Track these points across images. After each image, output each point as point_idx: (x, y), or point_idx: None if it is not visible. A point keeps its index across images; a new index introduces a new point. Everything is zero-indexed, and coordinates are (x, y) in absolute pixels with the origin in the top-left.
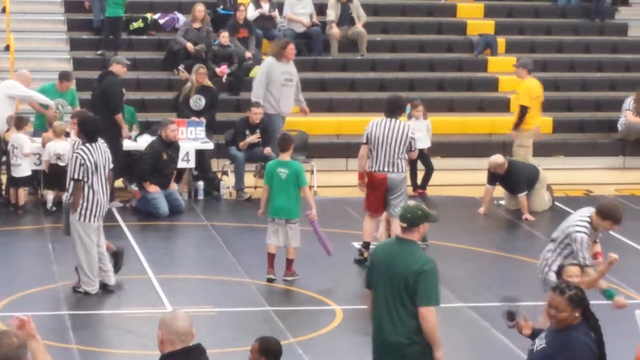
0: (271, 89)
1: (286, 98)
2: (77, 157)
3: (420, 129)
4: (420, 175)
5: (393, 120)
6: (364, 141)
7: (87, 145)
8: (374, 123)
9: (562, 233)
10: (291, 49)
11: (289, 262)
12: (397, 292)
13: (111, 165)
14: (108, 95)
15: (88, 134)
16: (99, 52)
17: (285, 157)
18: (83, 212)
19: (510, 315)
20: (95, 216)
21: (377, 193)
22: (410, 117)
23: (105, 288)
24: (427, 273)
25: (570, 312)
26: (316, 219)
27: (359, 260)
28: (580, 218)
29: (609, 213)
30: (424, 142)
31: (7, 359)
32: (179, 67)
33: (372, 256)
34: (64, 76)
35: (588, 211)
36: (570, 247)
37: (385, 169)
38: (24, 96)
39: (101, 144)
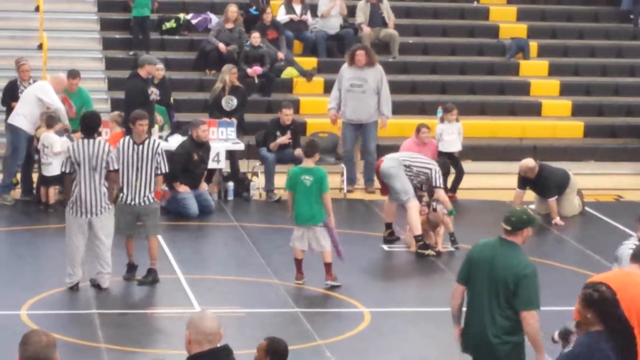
0: (342, 94)
1: (352, 104)
2: (66, 150)
3: (451, 132)
4: (451, 179)
5: (432, 161)
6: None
7: (81, 140)
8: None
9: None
10: (359, 54)
11: (328, 267)
12: (494, 293)
13: (115, 166)
14: (126, 98)
15: (84, 129)
16: (131, 53)
17: (310, 163)
18: (71, 205)
19: (566, 335)
20: (81, 211)
21: (378, 177)
22: (442, 120)
23: (98, 287)
24: (528, 277)
25: (583, 312)
26: (333, 226)
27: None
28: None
29: None
30: (454, 146)
31: (36, 357)
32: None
33: (472, 254)
34: (70, 74)
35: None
36: None
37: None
38: (50, 104)
39: (99, 141)
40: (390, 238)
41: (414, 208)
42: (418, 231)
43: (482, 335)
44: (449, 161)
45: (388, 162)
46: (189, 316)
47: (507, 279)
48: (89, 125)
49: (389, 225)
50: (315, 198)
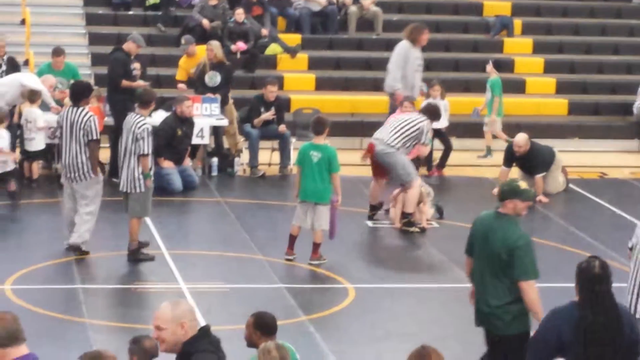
0: (408, 73)
1: (418, 84)
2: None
3: None
4: (438, 155)
5: (420, 115)
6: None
7: (69, 108)
8: (403, 109)
9: None
10: (427, 34)
11: (316, 246)
12: (490, 265)
13: (94, 136)
14: (110, 70)
15: (71, 96)
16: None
17: (320, 140)
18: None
19: None
20: (65, 176)
21: (370, 159)
22: (428, 96)
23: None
24: (521, 248)
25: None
26: (338, 206)
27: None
28: None
29: None
30: (441, 122)
31: (12, 334)
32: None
33: (473, 226)
34: (54, 52)
35: None
36: None
37: (376, 137)
38: (36, 88)
39: (82, 110)
40: (375, 218)
41: (417, 187)
42: (411, 209)
43: (483, 307)
44: None
45: (381, 146)
46: (167, 312)
47: (500, 251)
48: (74, 92)
49: (373, 207)
50: (321, 175)
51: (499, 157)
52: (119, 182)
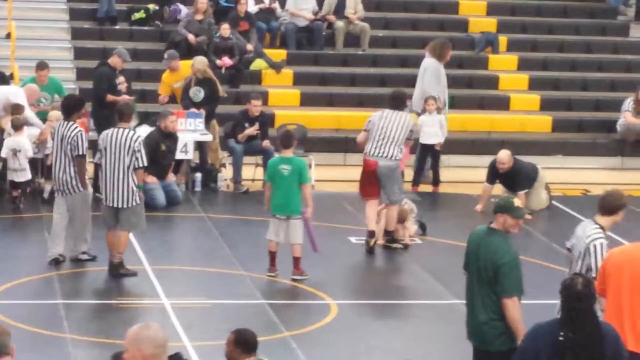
0: (440, 92)
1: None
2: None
3: (431, 124)
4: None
5: (395, 112)
6: (364, 128)
7: (60, 121)
8: (377, 114)
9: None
10: (450, 49)
11: (297, 261)
12: (479, 280)
13: (79, 151)
14: (95, 84)
15: (62, 110)
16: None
17: (288, 153)
18: None
19: None
20: (56, 188)
21: (368, 178)
22: (423, 111)
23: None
24: (506, 265)
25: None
26: (310, 217)
27: (370, 250)
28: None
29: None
30: (434, 138)
31: None
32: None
33: (468, 240)
34: (38, 66)
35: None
36: None
37: (377, 155)
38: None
39: (71, 125)
40: (389, 244)
41: (397, 208)
42: (393, 227)
43: (472, 321)
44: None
45: (385, 162)
46: (135, 333)
47: (487, 267)
48: (65, 107)
49: (372, 234)
50: (292, 188)
51: (482, 173)
52: (106, 198)
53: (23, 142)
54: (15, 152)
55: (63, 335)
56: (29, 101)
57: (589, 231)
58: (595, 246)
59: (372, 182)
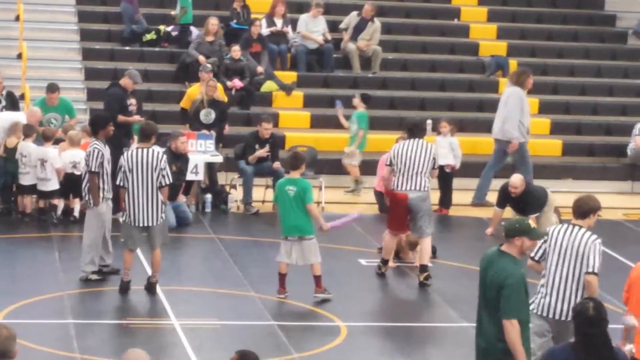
0: (523, 119)
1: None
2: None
3: (443, 146)
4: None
5: (417, 140)
6: (387, 163)
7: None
8: (398, 145)
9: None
10: (532, 78)
11: (318, 279)
12: (485, 300)
13: (90, 168)
14: (105, 105)
15: (90, 127)
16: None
17: (295, 175)
18: None
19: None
20: None
21: (399, 212)
22: (438, 133)
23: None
24: (509, 287)
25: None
26: (329, 226)
27: (381, 274)
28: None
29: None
30: (444, 159)
31: None
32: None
33: (480, 263)
34: (48, 88)
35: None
36: None
37: (406, 188)
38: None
39: (93, 142)
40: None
41: (429, 240)
42: (427, 261)
43: (480, 341)
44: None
45: (416, 193)
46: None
47: (492, 287)
48: (91, 125)
49: (387, 262)
50: (300, 209)
51: (492, 197)
52: (134, 219)
53: (51, 152)
54: (42, 162)
55: (73, 355)
56: (30, 121)
57: (581, 233)
58: (596, 245)
59: (402, 216)
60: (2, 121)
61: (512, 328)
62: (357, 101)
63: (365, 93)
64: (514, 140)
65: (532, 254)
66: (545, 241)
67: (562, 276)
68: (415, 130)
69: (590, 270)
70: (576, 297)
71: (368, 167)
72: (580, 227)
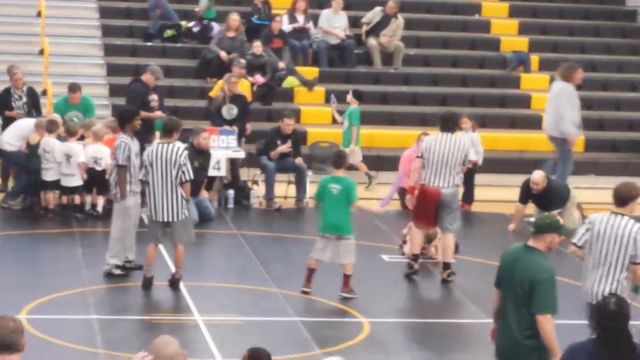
0: (574, 115)
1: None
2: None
3: None
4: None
5: (449, 134)
6: (419, 155)
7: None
8: (430, 138)
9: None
10: (580, 72)
11: (347, 279)
12: (513, 297)
13: (118, 162)
14: (127, 101)
15: (117, 121)
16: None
17: (339, 173)
18: None
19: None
20: None
21: (429, 206)
22: (460, 129)
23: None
24: (543, 282)
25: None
26: (381, 208)
27: (409, 274)
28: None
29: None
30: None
31: (2, 342)
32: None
33: (501, 259)
34: (69, 88)
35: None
36: None
37: (438, 183)
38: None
39: (120, 136)
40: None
41: (453, 236)
42: (450, 258)
43: (503, 338)
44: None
45: (448, 189)
46: (151, 343)
47: (523, 284)
48: (118, 119)
49: (416, 258)
50: (342, 208)
51: (513, 193)
52: (155, 213)
53: (75, 147)
54: (68, 157)
55: (96, 350)
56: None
57: (624, 222)
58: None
59: (431, 211)
60: (21, 129)
61: (547, 323)
62: (349, 97)
63: (357, 89)
64: (572, 137)
65: (575, 240)
66: (588, 229)
67: (606, 264)
68: (449, 124)
69: (638, 260)
70: (619, 285)
71: (386, 164)
72: (623, 215)
